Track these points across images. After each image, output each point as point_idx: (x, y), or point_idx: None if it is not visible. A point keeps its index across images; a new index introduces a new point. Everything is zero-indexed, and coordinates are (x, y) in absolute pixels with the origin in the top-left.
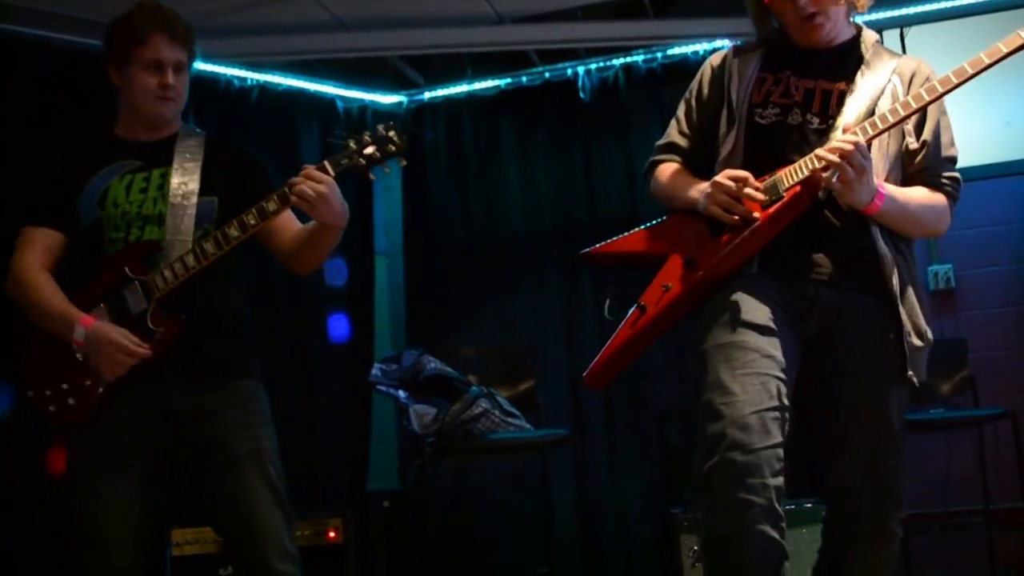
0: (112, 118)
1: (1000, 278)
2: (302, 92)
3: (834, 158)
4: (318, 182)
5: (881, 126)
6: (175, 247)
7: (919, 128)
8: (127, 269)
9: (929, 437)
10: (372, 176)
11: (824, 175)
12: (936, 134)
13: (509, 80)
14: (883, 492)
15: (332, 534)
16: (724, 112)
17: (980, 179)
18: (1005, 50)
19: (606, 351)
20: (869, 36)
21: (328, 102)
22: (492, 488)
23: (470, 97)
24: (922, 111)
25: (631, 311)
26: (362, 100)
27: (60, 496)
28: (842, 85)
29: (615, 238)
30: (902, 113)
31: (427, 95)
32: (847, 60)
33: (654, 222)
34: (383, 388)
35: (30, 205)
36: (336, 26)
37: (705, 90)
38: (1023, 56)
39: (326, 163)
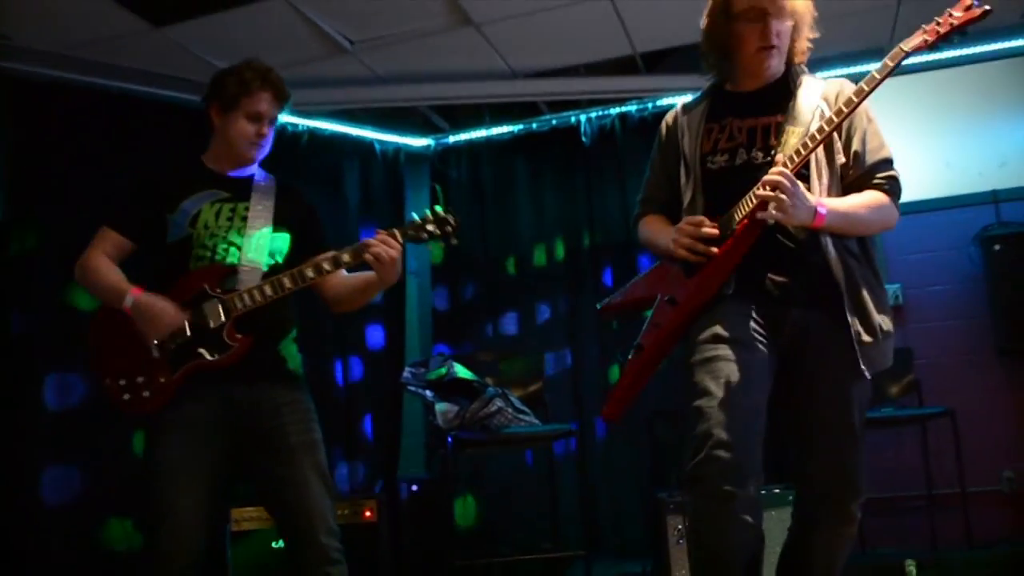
0: (198, 149)
1: (942, 296)
2: (345, 136)
3: (767, 192)
4: (392, 248)
5: (811, 145)
6: (248, 273)
7: (847, 143)
8: (207, 286)
9: (880, 432)
10: (430, 247)
11: (761, 213)
12: (864, 142)
13: (521, 126)
14: (845, 482)
15: (368, 513)
16: (682, 165)
17: (924, 212)
18: (891, 63)
19: (618, 390)
20: (797, 68)
21: (367, 145)
22: (505, 475)
23: (488, 141)
24: (848, 127)
25: (632, 351)
26: (396, 143)
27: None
28: (778, 117)
29: (620, 293)
30: (827, 130)
31: (451, 139)
32: (780, 93)
33: (647, 270)
34: (413, 388)
35: (114, 210)
36: (375, 80)
37: (664, 147)
38: (961, 106)
39: (396, 232)
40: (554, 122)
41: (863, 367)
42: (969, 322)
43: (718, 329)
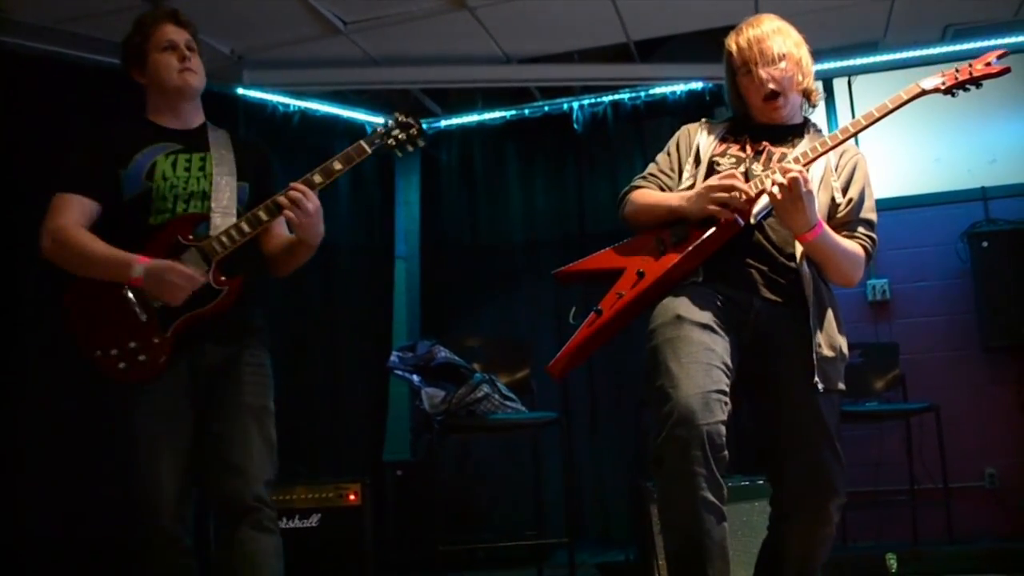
0: (141, 107)
1: (928, 292)
2: (336, 118)
3: (781, 179)
4: (304, 195)
5: (811, 155)
6: (220, 220)
7: (846, 188)
8: (180, 237)
9: (864, 426)
10: (399, 154)
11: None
12: (861, 195)
13: (514, 112)
14: (819, 481)
15: (352, 497)
16: (692, 156)
17: (913, 207)
18: (905, 97)
19: (568, 347)
20: (814, 126)
21: (358, 127)
22: (491, 461)
23: (480, 126)
24: (851, 173)
25: (590, 314)
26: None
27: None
28: (787, 149)
29: (580, 260)
30: (829, 143)
31: (443, 123)
32: (793, 135)
33: (616, 244)
34: (399, 372)
35: (65, 174)
36: (367, 62)
37: (681, 143)
38: (952, 103)
39: (361, 142)
40: (546, 108)
41: (817, 379)
42: (955, 318)
43: (682, 311)
